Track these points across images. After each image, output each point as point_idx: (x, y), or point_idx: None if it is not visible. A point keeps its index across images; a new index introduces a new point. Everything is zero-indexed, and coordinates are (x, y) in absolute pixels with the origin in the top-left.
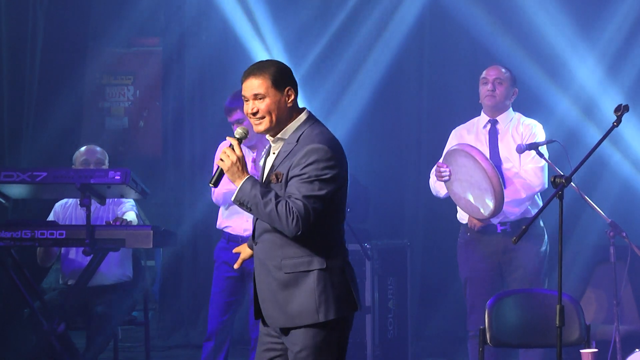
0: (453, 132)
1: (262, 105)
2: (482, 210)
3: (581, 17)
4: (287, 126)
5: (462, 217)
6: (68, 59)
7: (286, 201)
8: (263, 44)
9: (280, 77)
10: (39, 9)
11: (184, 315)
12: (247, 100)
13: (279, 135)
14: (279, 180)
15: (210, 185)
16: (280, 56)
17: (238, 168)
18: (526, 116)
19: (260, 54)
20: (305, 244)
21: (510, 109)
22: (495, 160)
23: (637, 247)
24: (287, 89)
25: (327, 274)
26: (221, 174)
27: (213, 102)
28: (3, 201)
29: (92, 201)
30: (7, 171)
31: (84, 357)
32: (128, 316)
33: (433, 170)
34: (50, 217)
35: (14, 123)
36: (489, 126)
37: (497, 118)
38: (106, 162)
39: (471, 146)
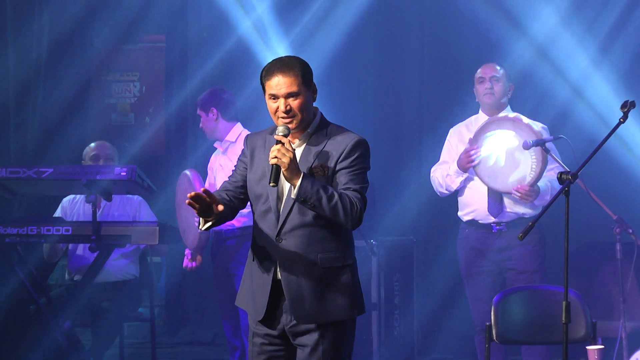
0: (451, 130)
1: (295, 103)
2: (524, 173)
3: None
4: (312, 122)
5: (463, 214)
6: (73, 56)
7: (346, 194)
8: (265, 42)
9: (308, 74)
10: (45, 6)
11: (189, 312)
12: (275, 98)
13: (308, 130)
14: (326, 173)
15: (272, 185)
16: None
17: (296, 165)
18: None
19: (264, 53)
20: (340, 239)
21: (509, 107)
22: None
23: None
24: (313, 85)
25: (355, 270)
26: (278, 171)
27: None
28: (9, 197)
29: (102, 198)
30: (13, 167)
31: (90, 354)
32: (134, 313)
33: (436, 169)
34: (58, 213)
35: (20, 119)
36: (486, 121)
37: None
38: (116, 158)
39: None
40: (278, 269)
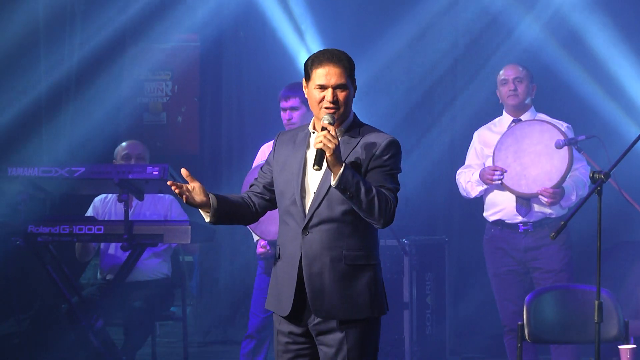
0: (476, 133)
1: (342, 95)
2: (555, 172)
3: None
4: (346, 120)
5: (489, 214)
6: (106, 55)
7: (383, 191)
8: (302, 40)
9: (353, 69)
10: (77, 6)
11: (222, 311)
12: (323, 88)
13: (341, 127)
14: (358, 170)
15: (315, 169)
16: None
17: (340, 153)
18: (567, 112)
19: (299, 51)
20: (366, 238)
21: (533, 107)
22: None
23: None
24: (354, 82)
25: (378, 270)
26: (322, 156)
27: (250, 98)
28: (42, 196)
29: (134, 197)
30: (46, 167)
31: (122, 353)
32: (166, 312)
33: (461, 173)
34: (90, 212)
35: (53, 119)
36: (513, 125)
37: (521, 117)
38: (147, 157)
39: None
40: (302, 263)
